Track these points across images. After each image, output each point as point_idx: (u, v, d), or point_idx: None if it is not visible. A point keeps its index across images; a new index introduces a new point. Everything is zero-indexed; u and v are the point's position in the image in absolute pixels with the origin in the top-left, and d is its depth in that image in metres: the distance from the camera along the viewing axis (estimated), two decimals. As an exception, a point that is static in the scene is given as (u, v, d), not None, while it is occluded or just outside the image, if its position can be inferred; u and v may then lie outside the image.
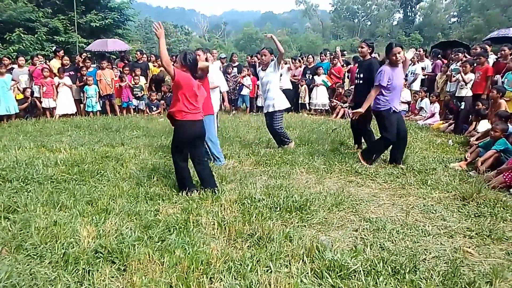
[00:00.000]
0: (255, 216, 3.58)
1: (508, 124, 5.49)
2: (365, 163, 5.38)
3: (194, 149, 4.36)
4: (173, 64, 4.16)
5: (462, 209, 3.90)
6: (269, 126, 6.40)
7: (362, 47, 6.22)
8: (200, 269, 2.70)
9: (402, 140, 5.40)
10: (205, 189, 4.27)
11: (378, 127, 5.58)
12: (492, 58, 8.80)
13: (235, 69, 11.68)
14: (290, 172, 5.15)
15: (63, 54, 11.11)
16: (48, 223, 3.44)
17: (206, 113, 5.41)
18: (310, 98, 11.36)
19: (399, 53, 5.17)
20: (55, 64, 10.79)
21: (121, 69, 11.37)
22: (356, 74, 6.46)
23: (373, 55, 6.38)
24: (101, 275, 2.69)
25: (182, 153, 4.32)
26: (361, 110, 5.40)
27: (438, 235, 3.34)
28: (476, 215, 3.75)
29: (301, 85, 11.31)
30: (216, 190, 4.29)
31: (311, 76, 11.20)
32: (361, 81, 6.24)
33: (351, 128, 6.76)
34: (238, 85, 11.40)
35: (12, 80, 9.75)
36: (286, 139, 6.41)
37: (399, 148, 5.47)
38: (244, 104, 11.62)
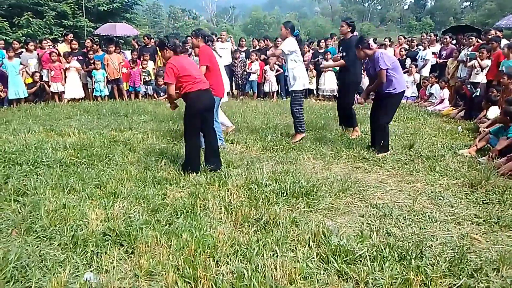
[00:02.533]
0: (262, 201, 3.60)
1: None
2: (385, 153, 5.27)
3: (205, 120, 4.52)
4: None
5: (470, 196, 3.88)
6: (290, 105, 6.19)
7: (342, 26, 6.38)
8: (207, 253, 2.73)
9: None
10: (210, 168, 4.50)
11: (378, 110, 5.38)
12: (504, 43, 8.60)
13: (243, 54, 11.58)
14: (297, 157, 5.14)
15: (71, 38, 11.09)
16: (57, 206, 3.49)
17: (216, 94, 5.38)
18: (318, 83, 11.25)
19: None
20: (63, 48, 10.79)
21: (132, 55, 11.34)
22: (340, 53, 6.60)
23: (355, 33, 6.41)
24: (109, 257, 2.73)
25: (195, 126, 4.45)
26: (365, 97, 5.73)
27: (445, 222, 3.33)
28: (484, 202, 3.73)
29: (310, 70, 11.18)
30: (220, 170, 4.51)
31: (322, 61, 11.04)
32: (344, 59, 6.38)
33: (338, 111, 6.87)
34: (245, 70, 11.31)
35: (21, 64, 9.78)
36: (299, 126, 6.02)
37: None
38: (251, 89, 11.55)
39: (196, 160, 4.50)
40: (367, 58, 5.35)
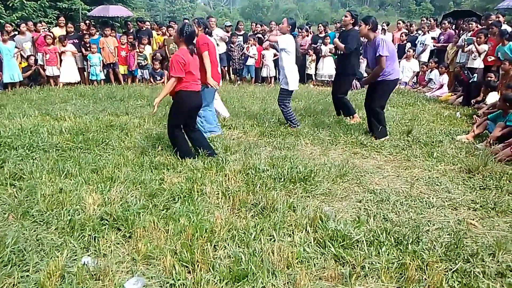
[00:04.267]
0: (259, 186, 3.59)
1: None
2: (384, 138, 5.29)
3: (190, 119, 4.51)
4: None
5: (467, 181, 3.89)
6: (277, 100, 6.08)
7: (346, 16, 6.26)
8: (204, 237, 2.73)
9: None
10: (205, 154, 4.43)
11: (373, 96, 5.40)
12: (504, 28, 8.53)
13: (241, 38, 11.43)
14: (295, 143, 5.13)
15: (63, 21, 10.91)
16: (54, 190, 3.48)
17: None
18: (316, 68, 11.17)
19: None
20: (58, 31, 10.62)
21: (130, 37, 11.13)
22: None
23: (356, 27, 6.27)
24: (106, 241, 2.73)
25: (180, 123, 4.43)
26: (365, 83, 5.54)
27: (442, 207, 3.34)
28: (481, 187, 3.74)
29: (309, 55, 11.09)
30: (214, 155, 4.48)
31: (320, 45, 10.95)
32: (342, 52, 6.32)
33: (333, 99, 6.79)
34: (243, 55, 11.19)
35: (16, 47, 9.64)
36: (290, 122, 5.91)
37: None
38: (249, 74, 11.46)
39: (186, 145, 4.47)
40: (366, 41, 5.31)
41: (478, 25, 8.88)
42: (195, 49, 4.40)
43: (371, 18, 5.28)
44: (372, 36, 5.17)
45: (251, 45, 10.99)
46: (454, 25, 10.59)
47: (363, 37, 5.55)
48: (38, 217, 3.05)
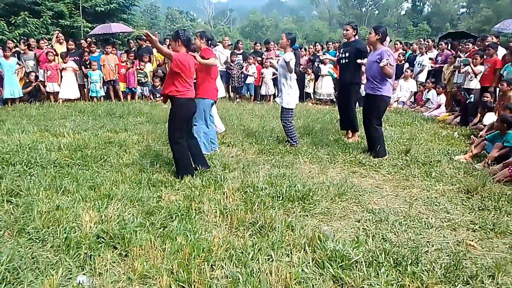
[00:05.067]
0: (257, 205, 3.57)
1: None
2: (383, 157, 5.31)
3: (187, 125, 4.60)
4: (169, 45, 4.36)
5: (466, 202, 3.88)
6: (280, 118, 6.06)
7: (347, 30, 6.27)
8: (201, 256, 2.70)
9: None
10: (200, 167, 4.54)
11: (370, 113, 5.42)
12: (500, 50, 8.65)
13: (240, 57, 11.56)
14: (294, 161, 5.12)
15: (62, 37, 11.04)
16: (51, 207, 3.45)
17: (208, 97, 5.37)
18: (315, 87, 11.25)
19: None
20: (60, 48, 10.73)
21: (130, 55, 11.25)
22: (341, 55, 6.44)
23: (356, 37, 6.36)
24: (102, 260, 2.70)
25: (182, 131, 4.46)
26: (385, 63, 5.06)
27: (441, 228, 3.33)
28: (480, 208, 3.73)
29: (308, 74, 11.20)
30: (207, 169, 4.60)
31: (319, 64, 11.05)
32: (346, 60, 6.25)
33: (339, 111, 6.80)
34: (242, 73, 11.29)
35: (17, 64, 9.72)
36: (290, 139, 5.88)
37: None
38: (248, 92, 11.54)
39: (188, 161, 4.46)
40: (369, 51, 5.38)
41: (475, 47, 9.01)
42: (194, 50, 4.52)
43: (381, 28, 5.33)
44: (379, 47, 5.24)
45: (250, 64, 11.11)
46: (450, 45, 10.74)
47: (369, 45, 5.56)
48: (34, 235, 3.02)
